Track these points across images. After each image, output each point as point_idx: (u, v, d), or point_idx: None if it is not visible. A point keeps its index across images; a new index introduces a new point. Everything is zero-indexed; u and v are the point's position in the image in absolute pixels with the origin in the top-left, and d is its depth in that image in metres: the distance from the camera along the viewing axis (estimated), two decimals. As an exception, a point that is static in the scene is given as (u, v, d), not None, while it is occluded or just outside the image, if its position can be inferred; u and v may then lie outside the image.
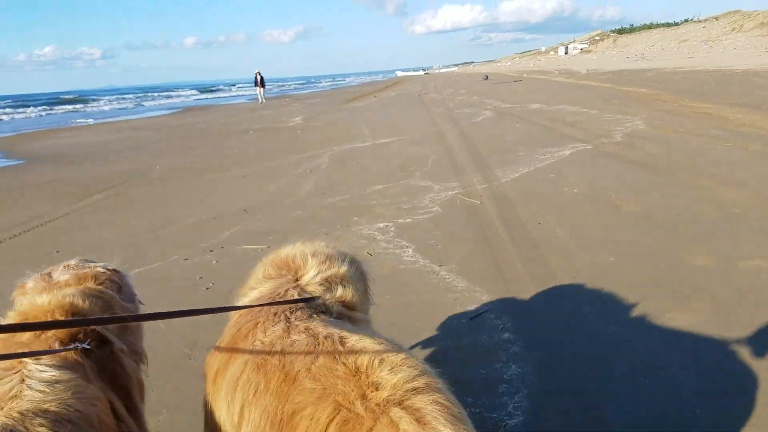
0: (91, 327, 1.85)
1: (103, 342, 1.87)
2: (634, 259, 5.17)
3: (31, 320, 1.83)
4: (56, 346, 1.76)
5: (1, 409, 1.41)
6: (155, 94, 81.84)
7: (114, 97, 76.02)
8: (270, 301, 1.98)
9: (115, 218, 8.36)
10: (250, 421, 1.55)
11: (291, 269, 2.20)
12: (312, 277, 2.13)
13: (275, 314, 1.87)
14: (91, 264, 2.29)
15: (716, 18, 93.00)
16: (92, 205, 9.33)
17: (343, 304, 2.07)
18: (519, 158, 10.31)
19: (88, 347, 1.78)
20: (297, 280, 2.14)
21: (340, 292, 2.10)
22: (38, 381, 1.53)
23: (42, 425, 1.38)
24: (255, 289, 2.19)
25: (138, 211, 8.78)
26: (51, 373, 1.58)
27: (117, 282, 2.28)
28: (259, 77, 39.87)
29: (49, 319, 1.84)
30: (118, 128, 26.77)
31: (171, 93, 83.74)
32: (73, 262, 2.26)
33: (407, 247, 5.98)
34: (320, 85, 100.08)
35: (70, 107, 53.59)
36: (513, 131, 14.21)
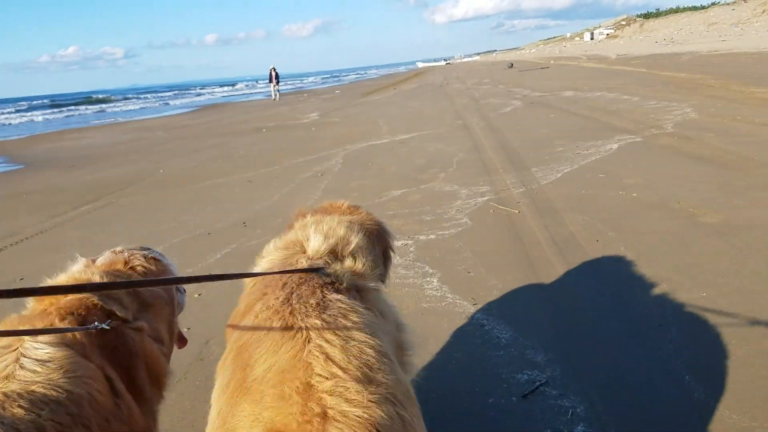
0: (100, 305, 1.83)
1: (110, 318, 1.82)
2: (741, 296, 3.87)
3: (48, 297, 1.83)
4: (56, 322, 1.74)
5: None
6: (177, 92, 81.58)
7: (137, 95, 75.98)
8: (281, 269, 1.87)
9: (96, 235, 7.28)
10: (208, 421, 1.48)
11: (299, 242, 2.08)
12: (318, 248, 2.00)
13: (284, 285, 1.74)
14: (135, 250, 2.26)
15: (745, 0, 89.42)
16: (77, 219, 8.29)
17: (354, 273, 1.91)
18: (558, 154, 8.98)
19: (107, 327, 1.75)
20: (305, 252, 2.01)
21: (348, 262, 1.96)
22: (32, 360, 1.52)
23: (21, 407, 1.37)
24: (265, 258, 2.09)
25: (125, 225, 7.70)
26: (45, 351, 1.56)
27: (152, 269, 2.22)
28: (273, 73, 37.90)
29: (63, 295, 1.82)
30: (131, 128, 25.96)
31: (192, 91, 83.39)
32: (119, 248, 2.25)
33: (431, 274, 4.75)
34: (339, 79, 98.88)
35: (95, 107, 53.35)
36: (548, 122, 12.84)
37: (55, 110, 50.66)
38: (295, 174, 10.19)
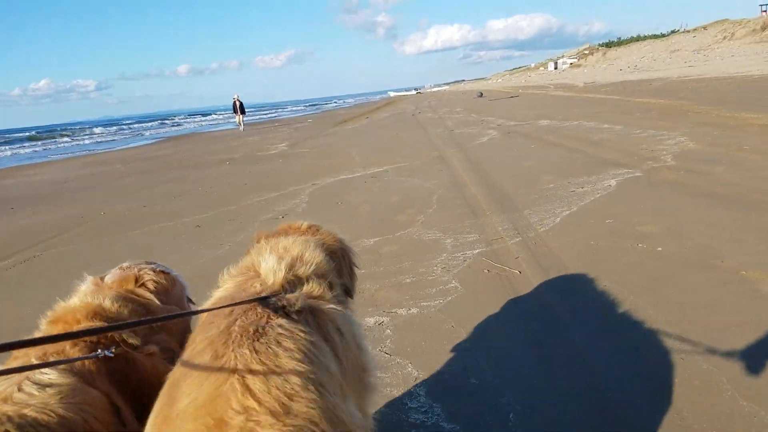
0: (114, 334, 1.80)
1: (122, 345, 1.79)
2: None
3: (56, 320, 1.86)
4: (67, 348, 1.71)
5: None
6: (149, 123, 79.55)
7: (104, 128, 73.76)
8: (232, 299, 1.73)
9: (2, 301, 5.81)
10: None
11: (253, 266, 1.97)
12: (271, 269, 1.88)
13: (230, 313, 1.61)
14: (143, 265, 2.21)
15: (705, 28, 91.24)
16: (-15, 279, 6.78)
17: (309, 295, 1.80)
18: (550, 193, 7.80)
19: (111, 354, 1.71)
20: (259, 275, 1.90)
21: (305, 283, 1.87)
22: (32, 384, 1.52)
23: (8, 430, 1.35)
24: (220, 288, 1.95)
25: (40, 287, 6.24)
26: (49, 376, 1.56)
27: (163, 283, 2.17)
28: (237, 103, 36.02)
29: (73, 319, 1.83)
30: (90, 162, 24.31)
31: (167, 121, 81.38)
32: (126, 264, 2.20)
33: (416, 381, 3.40)
34: (312, 108, 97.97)
35: (54, 141, 51.14)
36: (529, 154, 11.72)
37: (27, 143, 48.35)
38: (254, 215, 8.83)
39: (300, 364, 1.40)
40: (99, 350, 1.72)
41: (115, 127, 69.78)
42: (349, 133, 25.19)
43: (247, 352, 1.41)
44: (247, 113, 37.36)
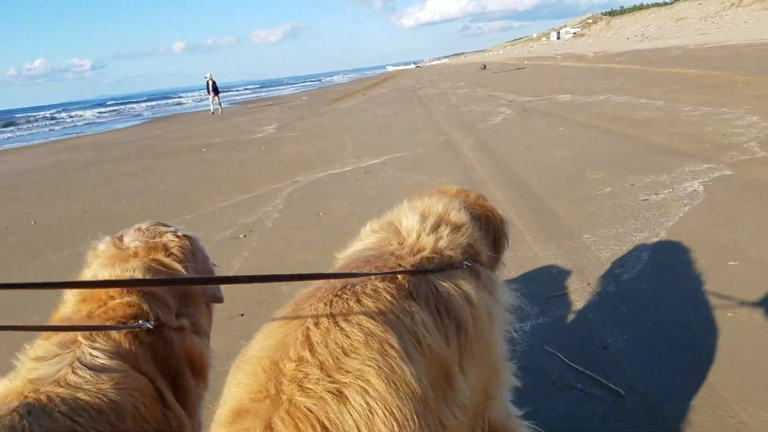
0: (139, 302, 1.73)
1: (157, 322, 1.73)
2: None
3: (89, 296, 1.76)
4: (111, 333, 1.65)
5: (36, 391, 1.37)
6: (146, 102, 76.80)
7: (96, 109, 71.24)
8: (366, 260, 1.68)
9: None
10: None
11: (392, 223, 1.89)
12: (412, 227, 1.80)
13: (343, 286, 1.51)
14: (162, 228, 2.08)
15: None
16: None
17: (443, 262, 1.68)
18: (610, 201, 5.55)
19: (150, 326, 1.68)
20: (398, 233, 1.83)
21: (438, 240, 1.76)
22: (86, 366, 1.48)
23: (60, 412, 1.33)
24: (361, 242, 1.90)
25: None
26: (101, 360, 1.52)
27: (189, 249, 2.04)
28: (211, 82, 31.46)
29: (106, 294, 1.74)
30: (60, 148, 21.99)
31: (164, 100, 78.53)
32: (144, 225, 2.06)
33: None
34: (308, 84, 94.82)
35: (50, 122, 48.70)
36: (561, 140, 9.42)
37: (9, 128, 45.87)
38: (209, 231, 6.61)
39: (371, 321, 1.32)
40: (141, 321, 1.67)
41: (107, 108, 66.99)
42: (344, 112, 22.79)
43: (322, 305, 1.37)
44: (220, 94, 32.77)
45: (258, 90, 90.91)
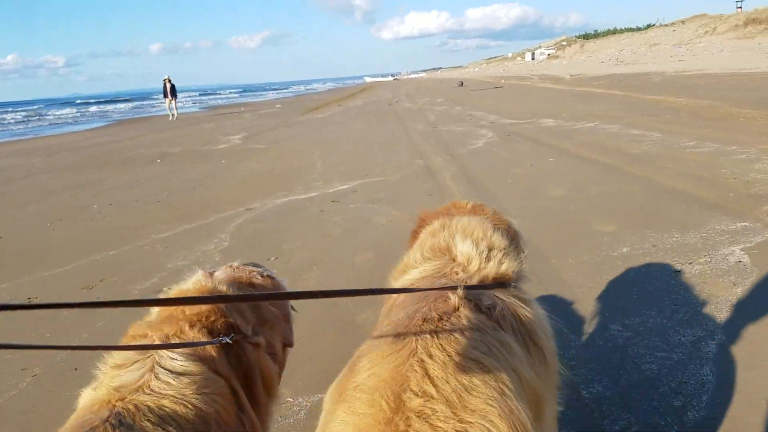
0: (228, 319, 1.72)
1: (233, 331, 1.70)
2: None
3: (172, 317, 1.75)
4: (186, 329, 1.63)
5: (123, 399, 1.35)
6: (117, 102, 74.14)
7: (63, 108, 68.54)
8: (431, 283, 1.65)
9: None
10: None
11: (446, 249, 1.81)
12: (469, 254, 1.74)
13: (424, 297, 1.52)
14: (251, 268, 2.10)
15: (683, 22, 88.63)
16: None
17: (509, 294, 1.64)
18: (630, 267, 4.37)
19: (230, 341, 1.65)
20: (455, 260, 1.76)
21: (498, 267, 1.71)
22: (167, 371, 1.45)
23: (150, 421, 1.31)
24: (416, 269, 1.79)
25: None
26: (180, 363, 1.48)
27: (269, 286, 2.07)
28: (168, 85, 28.52)
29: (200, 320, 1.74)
30: (7, 152, 20.20)
31: (125, 102, 76.01)
32: (236, 263, 2.09)
33: None
34: (285, 91, 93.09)
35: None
36: (553, 174, 8.29)
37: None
38: (129, 279, 5.24)
39: (484, 357, 1.28)
40: (222, 336, 1.65)
41: (75, 109, 64.09)
42: (318, 124, 21.47)
43: (428, 337, 1.32)
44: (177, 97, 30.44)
45: (234, 95, 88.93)
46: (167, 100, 29.41)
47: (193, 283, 1.85)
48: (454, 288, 1.53)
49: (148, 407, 1.35)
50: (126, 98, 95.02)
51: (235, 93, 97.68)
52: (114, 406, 1.33)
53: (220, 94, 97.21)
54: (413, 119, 19.37)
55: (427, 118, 19.15)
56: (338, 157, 12.06)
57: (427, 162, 10.29)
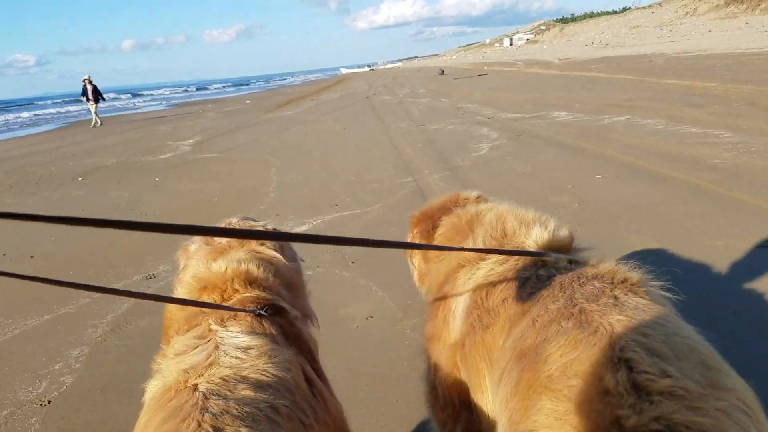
0: (266, 295, 1.70)
1: (278, 309, 1.69)
2: None
3: (210, 287, 1.70)
4: (226, 314, 1.58)
5: (201, 375, 1.29)
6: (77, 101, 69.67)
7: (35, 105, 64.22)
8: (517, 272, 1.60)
9: None
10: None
11: (503, 232, 1.77)
12: (541, 237, 1.68)
13: (561, 287, 1.43)
14: (251, 222, 2.09)
15: (660, 4, 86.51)
16: None
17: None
18: None
19: (264, 313, 1.61)
20: (524, 243, 1.70)
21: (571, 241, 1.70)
22: (232, 347, 1.41)
23: (247, 389, 1.27)
24: (485, 260, 1.70)
25: None
26: (243, 339, 1.45)
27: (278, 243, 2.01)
28: (89, 87, 23.77)
29: (230, 287, 1.70)
30: None
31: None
32: (234, 220, 2.06)
33: None
34: (257, 85, 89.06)
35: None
36: (618, 202, 5.44)
37: None
38: None
39: (694, 334, 1.17)
40: (258, 309, 1.61)
41: (31, 112, 59.50)
42: (284, 123, 18.42)
43: (622, 318, 1.21)
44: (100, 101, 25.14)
45: (205, 89, 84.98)
46: (89, 103, 24.55)
47: (226, 266, 1.73)
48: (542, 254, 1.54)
49: (236, 378, 1.28)
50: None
51: (225, 86, 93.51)
52: (195, 385, 1.25)
53: (186, 90, 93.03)
54: (395, 115, 16.43)
55: (411, 114, 16.22)
56: (300, 172, 9.12)
57: (418, 181, 7.42)
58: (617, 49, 41.23)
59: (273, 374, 1.35)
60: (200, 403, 1.18)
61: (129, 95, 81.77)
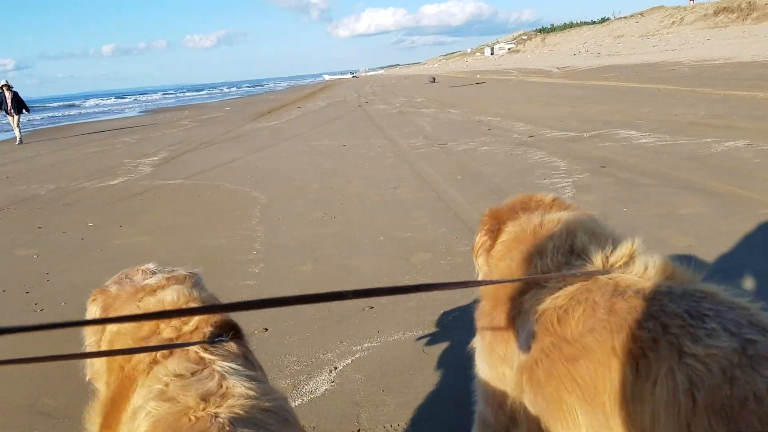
0: (226, 318, 1.58)
1: (236, 332, 1.55)
2: None
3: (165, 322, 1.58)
4: (190, 337, 1.48)
5: (220, 406, 1.18)
6: (62, 106, 65.35)
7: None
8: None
9: None
10: None
11: (571, 248, 1.55)
12: (621, 253, 1.46)
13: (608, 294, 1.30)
14: (170, 268, 1.88)
15: (641, 14, 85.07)
16: None
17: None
18: None
19: (225, 340, 1.48)
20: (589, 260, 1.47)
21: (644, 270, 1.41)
22: (238, 377, 1.31)
23: (273, 419, 1.21)
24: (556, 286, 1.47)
25: None
26: (243, 371, 1.35)
27: (198, 284, 1.83)
28: (8, 94, 18.68)
29: (183, 322, 1.55)
30: None
31: (80, 105, 67.14)
32: (151, 266, 1.84)
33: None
34: (239, 91, 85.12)
35: None
36: None
37: None
38: None
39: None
40: (220, 336, 1.49)
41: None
42: (269, 136, 15.26)
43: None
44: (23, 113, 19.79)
45: (184, 94, 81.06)
46: (10, 117, 19.25)
47: (178, 294, 1.63)
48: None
49: (259, 410, 1.21)
50: (71, 101, 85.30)
51: (186, 93, 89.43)
52: (216, 413, 1.16)
53: (166, 93, 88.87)
54: (401, 130, 13.40)
55: (421, 129, 13.22)
56: (297, 224, 6.02)
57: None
58: (614, 58, 38.78)
59: (280, 406, 1.28)
60: (227, 428, 1.10)
61: (113, 98, 77.77)
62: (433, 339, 3.32)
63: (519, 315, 1.50)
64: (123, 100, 73.08)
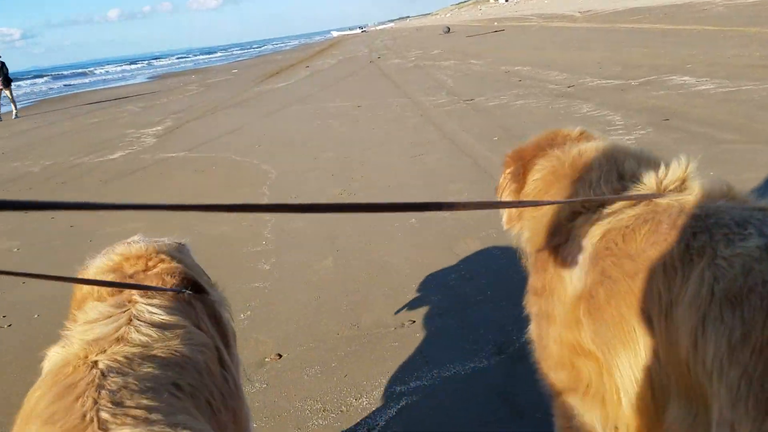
0: (188, 275, 1.55)
1: (199, 289, 1.53)
2: None
3: (133, 258, 1.56)
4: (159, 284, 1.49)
5: (104, 351, 1.15)
6: (72, 73, 64.31)
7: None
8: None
9: None
10: None
11: (622, 173, 1.49)
12: (674, 175, 1.39)
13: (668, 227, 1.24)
14: (155, 238, 1.81)
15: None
16: None
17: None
18: None
19: (187, 291, 1.47)
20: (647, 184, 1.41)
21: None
22: (146, 323, 1.29)
23: (150, 367, 1.16)
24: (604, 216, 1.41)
25: None
26: (161, 317, 1.32)
27: (186, 252, 1.79)
28: None
29: (155, 257, 1.57)
30: None
31: (91, 71, 66.02)
32: (136, 238, 1.77)
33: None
34: (246, 53, 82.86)
35: None
36: None
37: None
38: None
39: None
40: (182, 288, 1.48)
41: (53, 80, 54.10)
42: (277, 99, 14.24)
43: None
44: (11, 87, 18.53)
45: (193, 58, 79.44)
46: (1, 91, 18.06)
47: (145, 246, 1.60)
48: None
49: (141, 357, 1.17)
50: (79, 70, 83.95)
51: (195, 56, 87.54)
52: (96, 361, 1.12)
53: (172, 59, 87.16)
54: (420, 85, 12.30)
55: (442, 83, 12.10)
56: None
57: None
58: (631, 0, 36.43)
59: (183, 354, 1.25)
60: (97, 381, 1.07)
61: (126, 64, 76.53)
62: (507, 372, 2.45)
63: (575, 245, 1.42)
64: (135, 66, 71.72)
